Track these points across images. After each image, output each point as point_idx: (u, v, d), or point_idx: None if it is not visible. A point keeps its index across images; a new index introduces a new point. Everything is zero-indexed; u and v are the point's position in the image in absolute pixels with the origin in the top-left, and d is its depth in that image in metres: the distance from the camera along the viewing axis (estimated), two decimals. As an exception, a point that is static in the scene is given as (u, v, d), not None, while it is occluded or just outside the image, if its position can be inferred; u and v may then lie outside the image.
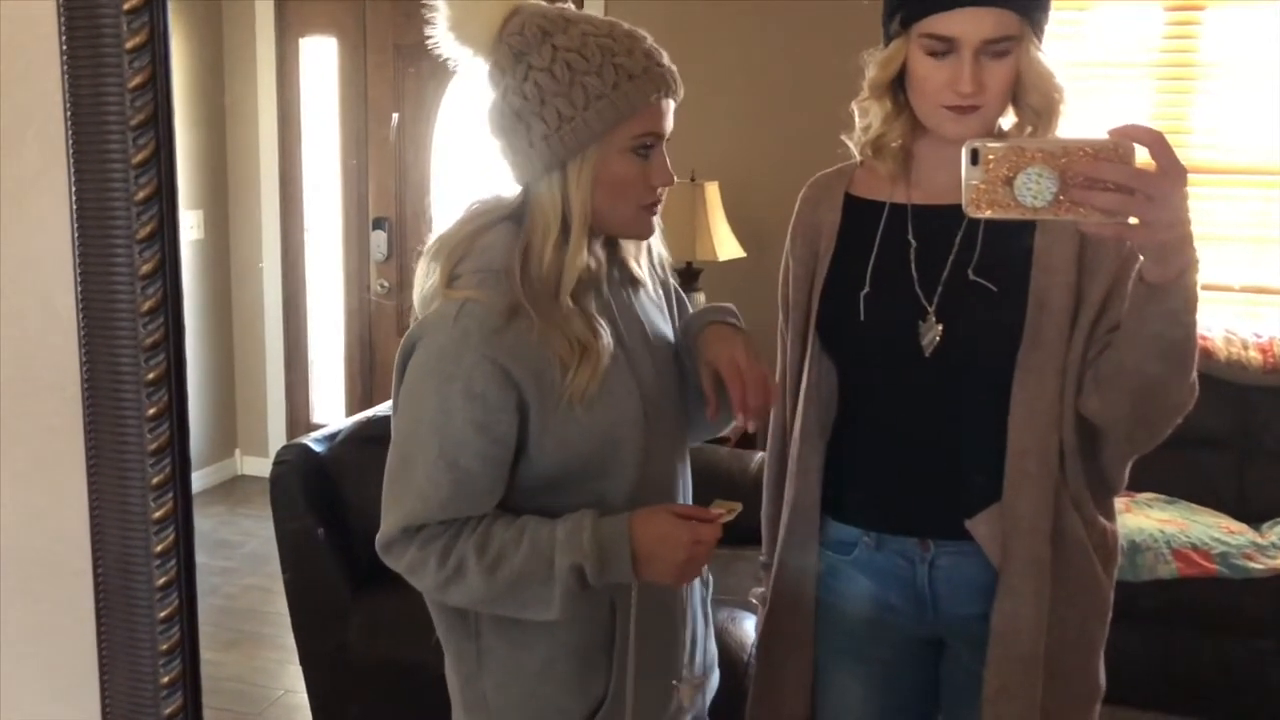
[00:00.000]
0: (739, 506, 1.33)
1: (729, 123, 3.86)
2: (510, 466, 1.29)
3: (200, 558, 1.22)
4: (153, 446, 1.15)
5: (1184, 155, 1.37)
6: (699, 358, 1.40)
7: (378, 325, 4.69)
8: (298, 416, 4.80)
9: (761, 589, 1.69)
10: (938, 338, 1.44)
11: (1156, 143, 1.12)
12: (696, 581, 1.48)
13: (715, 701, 1.57)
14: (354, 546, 2.47)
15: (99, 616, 1.21)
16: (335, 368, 4.81)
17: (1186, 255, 1.20)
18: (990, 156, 1.12)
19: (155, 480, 1.16)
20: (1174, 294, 1.23)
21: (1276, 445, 3.36)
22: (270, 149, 4.64)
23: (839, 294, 1.52)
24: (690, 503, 1.47)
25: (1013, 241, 1.43)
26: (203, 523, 4.05)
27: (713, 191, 3.72)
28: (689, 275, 3.68)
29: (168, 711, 1.22)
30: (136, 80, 1.08)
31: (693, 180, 3.67)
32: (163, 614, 1.19)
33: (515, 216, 1.33)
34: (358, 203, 4.65)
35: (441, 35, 1.30)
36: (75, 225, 1.13)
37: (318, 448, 2.55)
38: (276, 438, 4.71)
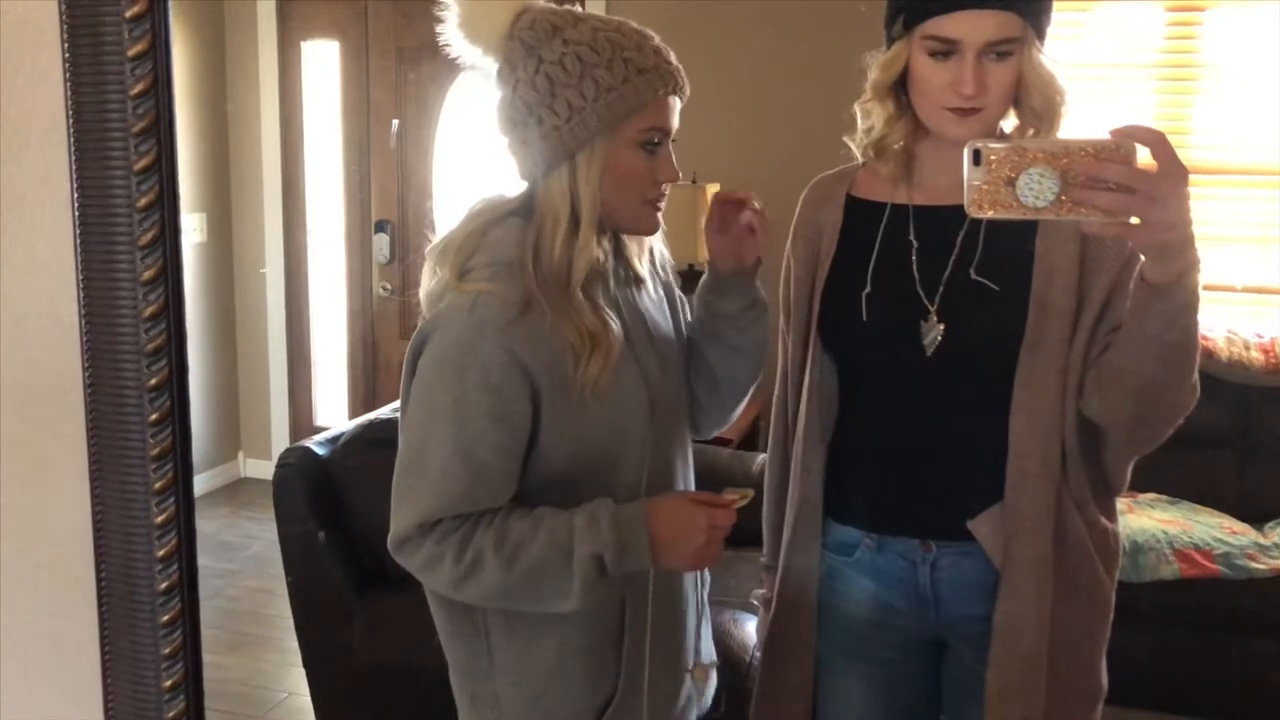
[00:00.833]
0: (751, 493, 1.34)
1: (731, 125, 3.86)
2: (523, 459, 1.30)
3: (203, 560, 1.22)
4: (155, 452, 1.15)
5: (1185, 155, 1.37)
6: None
7: (380, 328, 4.69)
8: (301, 419, 4.80)
9: (763, 590, 1.69)
10: (939, 338, 1.44)
11: (1158, 143, 1.12)
12: (695, 575, 1.48)
13: (716, 701, 1.57)
14: (357, 549, 2.47)
15: (102, 621, 1.22)
16: (338, 370, 4.81)
17: (1188, 256, 1.20)
18: (992, 157, 1.12)
19: (157, 485, 1.16)
20: (1175, 294, 1.23)
21: (1278, 446, 3.35)
22: (273, 152, 4.64)
23: (841, 294, 1.52)
24: None
25: (1014, 242, 1.43)
26: (206, 525, 4.04)
27: (715, 193, 3.71)
28: (691, 277, 3.66)
29: (171, 715, 1.22)
30: (138, 87, 1.09)
31: (694, 182, 3.67)
32: (165, 618, 1.19)
33: (522, 212, 1.33)
34: (360, 206, 4.65)
35: (451, 33, 1.31)
36: (78, 231, 1.13)
37: (321, 450, 2.55)
38: (280, 440, 4.70)
